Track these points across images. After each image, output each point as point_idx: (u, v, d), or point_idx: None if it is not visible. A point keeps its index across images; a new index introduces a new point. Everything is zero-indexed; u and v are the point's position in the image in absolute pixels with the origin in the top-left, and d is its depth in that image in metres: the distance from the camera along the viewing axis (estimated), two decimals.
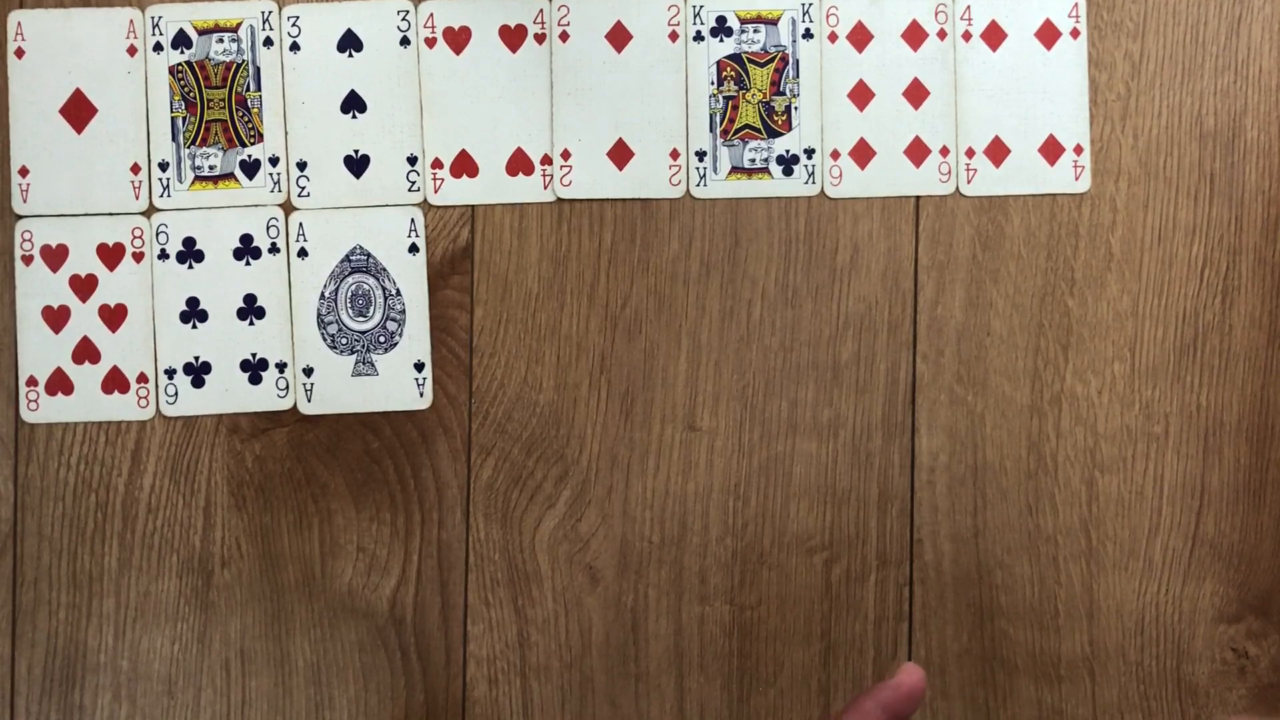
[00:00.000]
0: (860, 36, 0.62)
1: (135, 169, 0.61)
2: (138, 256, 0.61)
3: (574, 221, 0.62)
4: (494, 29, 0.62)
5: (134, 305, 0.61)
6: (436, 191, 0.62)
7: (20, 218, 0.61)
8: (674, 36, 0.62)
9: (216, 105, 0.61)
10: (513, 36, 0.62)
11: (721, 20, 0.62)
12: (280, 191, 0.61)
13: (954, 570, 0.62)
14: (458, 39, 0.62)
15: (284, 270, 0.61)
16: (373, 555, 0.62)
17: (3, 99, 0.61)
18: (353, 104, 0.61)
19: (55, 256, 0.61)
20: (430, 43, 0.61)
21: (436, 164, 0.62)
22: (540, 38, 0.62)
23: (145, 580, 0.62)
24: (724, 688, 0.62)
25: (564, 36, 0.62)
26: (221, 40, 0.61)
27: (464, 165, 0.62)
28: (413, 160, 0.61)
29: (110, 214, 0.61)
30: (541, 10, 0.62)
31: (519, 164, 0.62)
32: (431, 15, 0.61)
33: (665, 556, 0.62)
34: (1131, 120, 0.62)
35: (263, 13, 0.61)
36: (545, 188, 0.62)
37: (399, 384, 0.62)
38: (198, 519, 0.62)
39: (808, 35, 0.62)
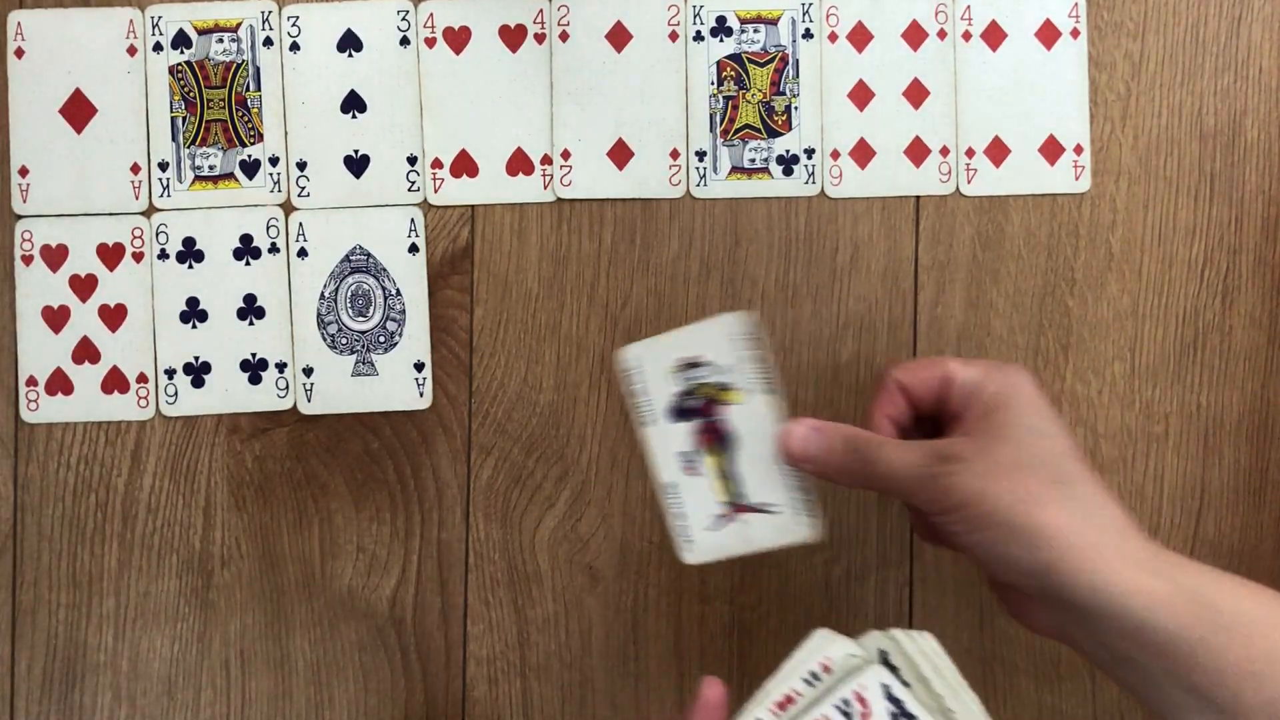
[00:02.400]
0: (860, 36, 0.62)
1: (135, 169, 0.61)
2: (138, 256, 0.61)
3: (574, 221, 0.62)
4: (494, 29, 0.62)
5: (134, 305, 0.61)
6: (436, 191, 0.62)
7: (20, 218, 0.61)
8: (674, 36, 0.62)
9: (216, 105, 0.61)
10: (513, 36, 0.62)
11: (721, 20, 0.62)
12: (280, 191, 0.61)
13: (954, 570, 0.62)
14: (458, 39, 0.61)
15: (284, 270, 0.61)
16: (373, 555, 0.62)
17: (3, 99, 0.61)
18: (353, 104, 0.61)
19: (55, 256, 0.61)
20: (430, 43, 0.61)
21: (436, 164, 0.62)
22: (540, 38, 0.62)
23: (145, 580, 0.62)
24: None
25: (564, 36, 0.62)
26: (221, 40, 0.61)
27: (464, 165, 0.62)
28: (413, 160, 0.61)
29: (110, 214, 0.61)
30: (541, 10, 0.62)
31: (519, 164, 0.62)
32: (431, 15, 0.61)
33: (665, 556, 0.62)
34: (1131, 120, 0.62)
35: (263, 13, 0.61)
36: (545, 188, 0.62)
37: (399, 384, 0.62)
38: (198, 519, 0.62)
39: (808, 35, 0.62)
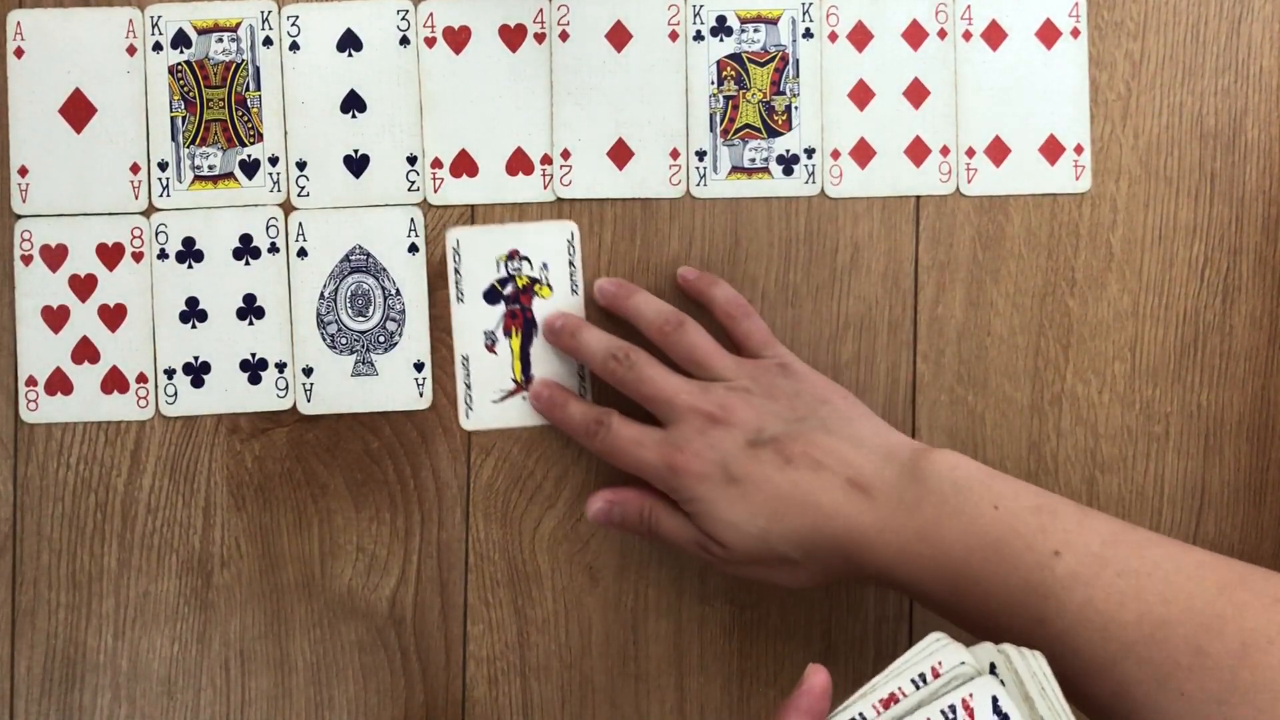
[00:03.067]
0: (860, 36, 0.62)
1: (135, 169, 0.61)
2: (137, 256, 0.61)
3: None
4: (494, 28, 0.62)
5: (133, 305, 0.61)
6: (436, 191, 0.62)
7: (20, 217, 0.61)
8: (674, 36, 0.62)
9: (216, 105, 0.61)
10: (512, 36, 0.62)
11: (721, 20, 0.62)
12: (280, 191, 0.61)
13: None
14: (457, 38, 0.61)
15: (284, 270, 0.61)
16: (373, 555, 0.62)
17: (2, 99, 0.61)
18: (352, 104, 0.61)
19: (55, 256, 0.61)
20: (430, 42, 0.61)
21: (436, 163, 0.61)
22: (540, 37, 0.62)
23: (145, 580, 0.62)
24: (724, 688, 0.62)
25: (564, 36, 0.62)
26: (221, 40, 0.61)
27: (464, 165, 0.62)
28: (412, 160, 0.61)
29: (110, 214, 0.61)
30: (541, 10, 0.62)
31: (519, 164, 0.62)
32: (431, 15, 0.61)
33: (665, 556, 0.62)
34: (1132, 120, 0.62)
35: (262, 12, 0.61)
36: (545, 187, 0.62)
37: (399, 384, 0.61)
38: (197, 519, 0.62)
39: (808, 35, 0.62)
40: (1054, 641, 0.47)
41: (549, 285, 0.61)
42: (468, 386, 0.61)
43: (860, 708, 0.42)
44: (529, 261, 0.61)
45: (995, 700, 0.41)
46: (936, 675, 0.42)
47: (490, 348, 0.61)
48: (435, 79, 0.61)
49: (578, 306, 0.61)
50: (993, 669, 0.42)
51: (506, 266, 0.61)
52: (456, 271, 0.61)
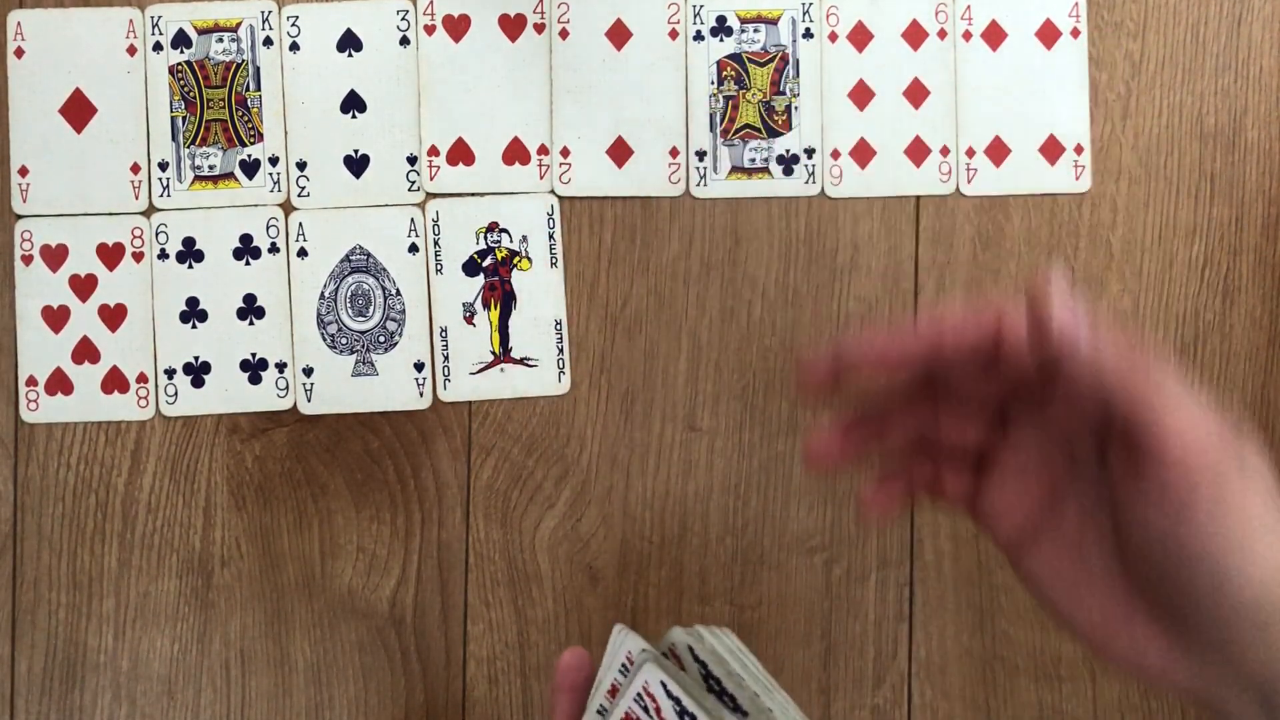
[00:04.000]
0: (860, 36, 0.62)
1: (135, 169, 0.61)
2: (137, 256, 0.61)
3: (574, 221, 0.62)
4: (493, 17, 0.61)
5: (134, 305, 0.61)
6: (433, 179, 0.62)
7: (20, 217, 0.61)
8: (674, 35, 0.62)
9: (216, 105, 0.61)
10: (512, 26, 0.62)
11: (721, 20, 0.62)
12: (280, 191, 0.61)
13: (954, 570, 0.62)
14: (457, 27, 0.61)
15: (284, 270, 0.61)
16: (373, 555, 0.62)
17: (3, 99, 0.61)
18: (352, 104, 0.61)
19: (55, 256, 0.61)
20: (430, 30, 0.61)
21: (433, 151, 0.61)
22: (540, 28, 0.62)
23: (145, 580, 0.62)
24: None
25: (564, 34, 0.62)
26: (221, 40, 0.61)
27: (460, 153, 0.62)
28: (412, 160, 0.61)
29: (110, 214, 0.61)
30: (541, 1, 0.62)
31: (515, 154, 0.62)
32: (432, 2, 0.61)
33: (665, 556, 0.62)
34: (1132, 120, 0.62)
35: (262, 12, 0.61)
36: (541, 178, 0.62)
37: (399, 384, 0.61)
38: (198, 519, 0.62)
39: (808, 35, 0.62)
40: None
41: (528, 258, 0.61)
42: (445, 358, 0.61)
43: (600, 701, 0.46)
44: (508, 234, 0.61)
45: (664, 685, 0.43)
46: (633, 663, 0.45)
47: (469, 319, 0.61)
48: (434, 67, 0.61)
49: (557, 279, 0.61)
50: (694, 654, 0.45)
51: (486, 239, 0.61)
52: (436, 243, 0.61)
